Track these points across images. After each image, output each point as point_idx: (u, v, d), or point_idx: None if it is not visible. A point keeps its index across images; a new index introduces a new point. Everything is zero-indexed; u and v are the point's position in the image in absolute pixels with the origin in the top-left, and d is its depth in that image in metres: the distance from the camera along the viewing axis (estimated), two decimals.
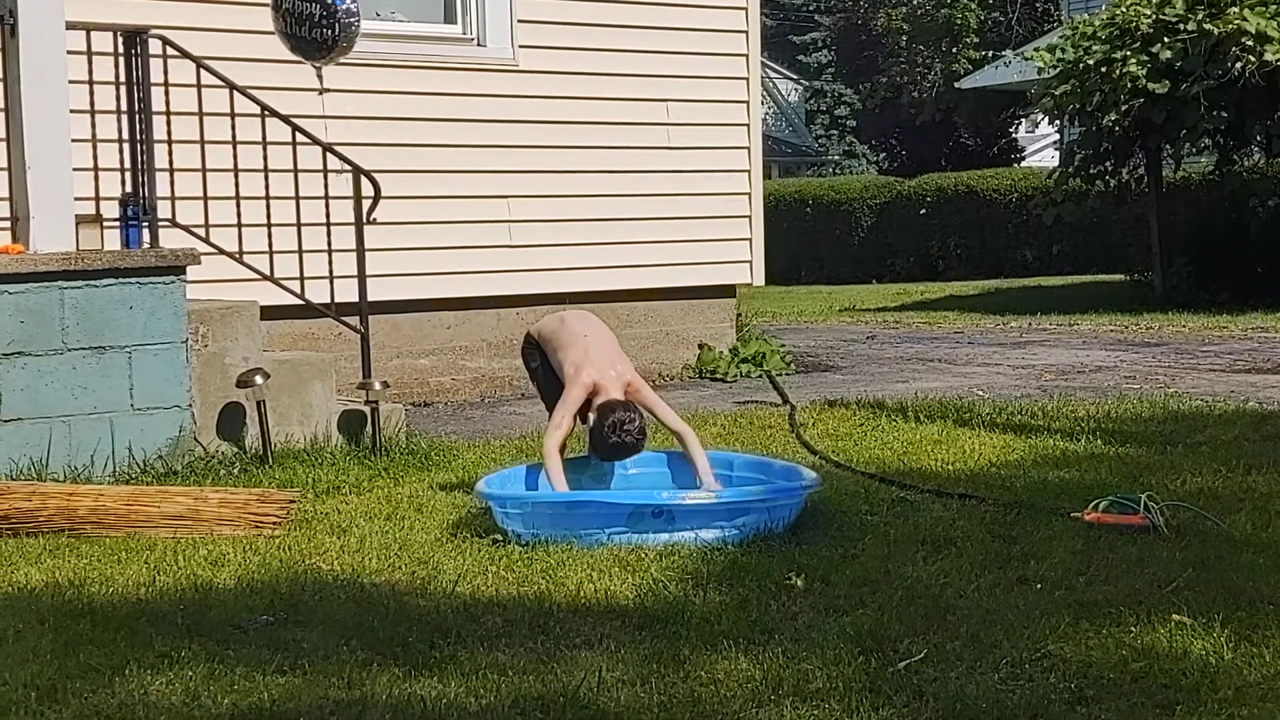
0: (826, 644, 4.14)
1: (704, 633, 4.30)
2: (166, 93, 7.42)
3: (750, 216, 11.34)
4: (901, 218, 26.80)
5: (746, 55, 11.26)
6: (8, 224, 7.05)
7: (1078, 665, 3.94)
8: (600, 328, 6.44)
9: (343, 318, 7.94)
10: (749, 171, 11.33)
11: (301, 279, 7.77)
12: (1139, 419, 8.12)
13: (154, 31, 7.41)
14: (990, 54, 35.83)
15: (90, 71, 7.12)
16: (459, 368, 10.15)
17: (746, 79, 11.27)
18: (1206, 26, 15.00)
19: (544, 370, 6.49)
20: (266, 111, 7.71)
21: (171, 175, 7.53)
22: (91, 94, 7.12)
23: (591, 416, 6.01)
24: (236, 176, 7.58)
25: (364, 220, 7.91)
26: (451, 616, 4.54)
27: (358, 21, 7.50)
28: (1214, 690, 3.74)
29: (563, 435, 6.06)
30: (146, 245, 7.27)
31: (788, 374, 11.08)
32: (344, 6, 7.40)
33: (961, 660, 4.00)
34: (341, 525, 5.97)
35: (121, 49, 7.30)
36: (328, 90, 7.66)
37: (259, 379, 7.20)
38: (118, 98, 7.29)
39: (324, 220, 7.76)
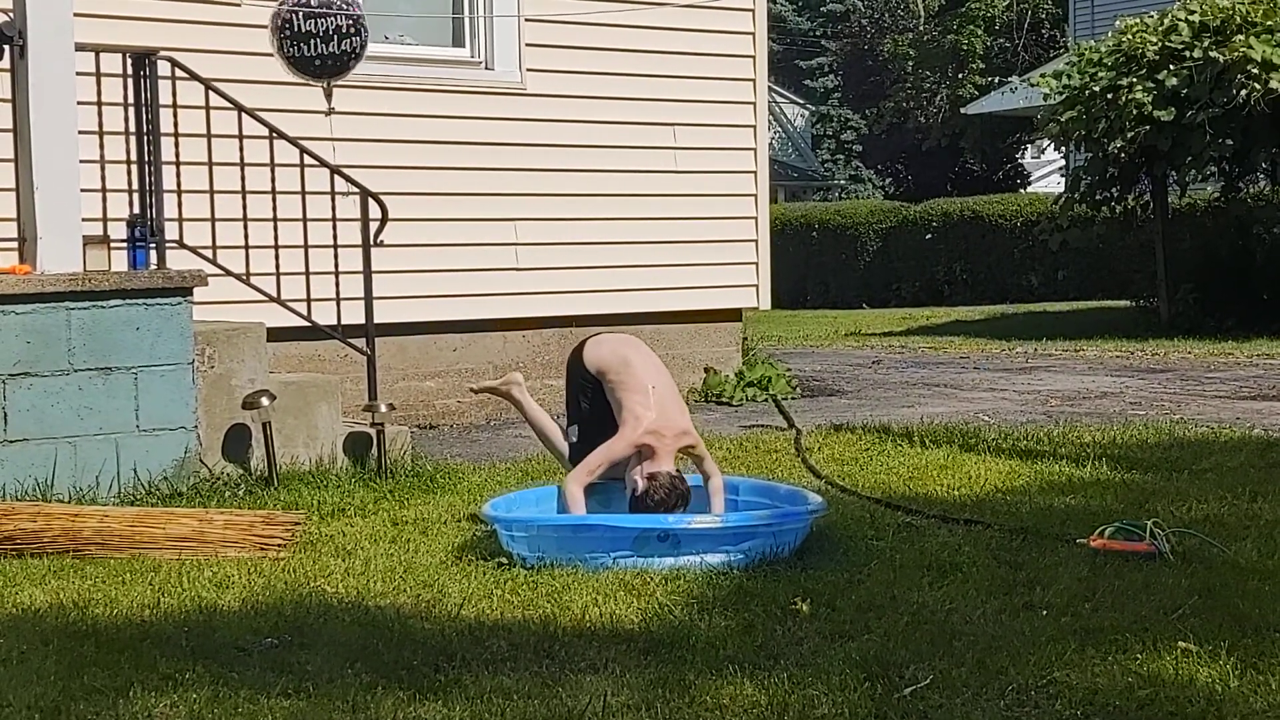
0: (832, 670, 4.13)
1: (709, 657, 4.29)
2: (175, 114, 7.45)
3: (756, 240, 11.35)
4: (907, 242, 26.81)
5: (754, 80, 11.28)
6: (15, 244, 7.06)
7: (1083, 692, 3.93)
8: (664, 376, 6.25)
9: (349, 339, 7.95)
10: (755, 195, 11.34)
11: (308, 301, 7.78)
12: (1145, 445, 8.12)
13: (163, 53, 7.44)
14: (996, 80, 35.93)
15: (99, 93, 7.15)
16: (465, 390, 10.14)
17: (753, 103, 11.30)
18: (1212, 54, 15.03)
19: (594, 406, 6.29)
20: (274, 134, 7.73)
21: (179, 197, 7.55)
22: (100, 115, 7.14)
23: (639, 481, 5.90)
24: (244, 198, 7.60)
25: (371, 242, 7.93)
26: (456, 640, 4.53)
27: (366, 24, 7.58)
28: (1220, 718, 3.73)
29: (589, 481, 5.98)
30: (153, 266, 7.29)
31: (793, 398, 11.08)
32: (359, 9, 7.47)
33: (967, 687, 3.99)
34: (346, 548, 5.96)
35: (130, 71, 7.33)
36: (333, 110, 7.69)
37: (265, 400, 7.20)
38: (126, 119, 7.31)
39: (331, 242, 7.77)
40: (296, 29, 7.41)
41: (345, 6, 7.53)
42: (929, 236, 26.45)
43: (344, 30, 7.42)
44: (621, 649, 4.40)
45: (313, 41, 7.47)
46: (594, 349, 6.35)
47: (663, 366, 6.35)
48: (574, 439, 6.44)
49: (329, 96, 7.62)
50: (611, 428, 6.22)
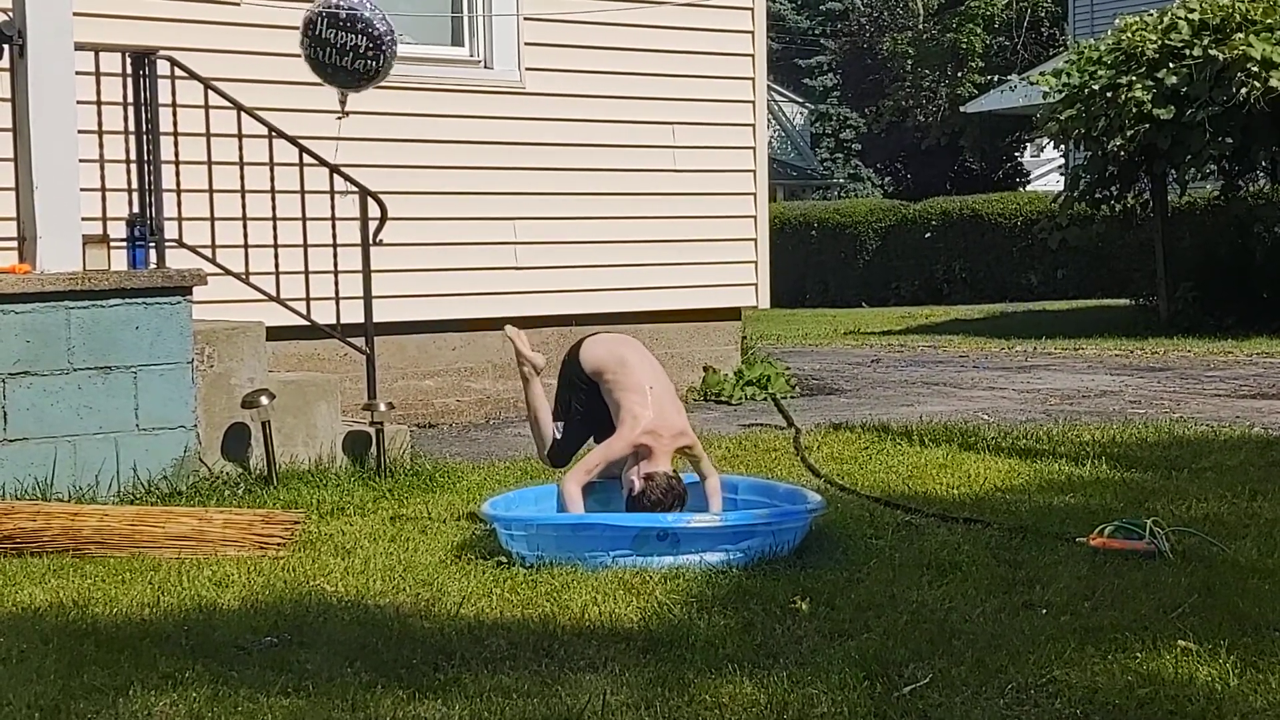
0: (831, 668, 4.13)
1: (708, 656, 4.29)
2: (174, 114, 7.45)
3: (756, 239, 11.35)
4: (906, 241, 26.81)
5: (753, 79, 11.29)
6: (15, 244, 7.06)
7: (1083, 691, 3.93)
8: (661, 376, 6.22)
9: (348, 339, 7.95)
10: (754, 194, 11.35)
11: (307, 300, 7.78)
12: (1144, 444, 8.12)
13: (162, 53, 7.44)
14: (996, 78, 35.92)
15: (98, 92, 7.15)
16: (464, 389, 10.15)
17: (752, 102, 11.30)
18: (1212, 52, 15.04)
19: (586, 409, 6.28)
20: (274, 133, 7.73)
21: (178, 196, 7.55)
22: (99, 114, 7.14)
23: (636, 481, 5.89)
24: (243, 197, 7.59)
25: (370, 241, 7.93)
26: (455, 639, 4.53)
27: (396, 48, 7.51)
28: (1220, 717, 3.73)
29: (587, 480, 5.96)
30: (153, 266, 7.29)
31: (792, 397, 11.08)
32: (389, 37, 7.40)
33: (967, 685, 3.99)
34: (346, 546, 5.96)
35: (130, 70, 7.33)
36: (347, 114, 7.68)
37: (264, 400, 7.20)
38: (125, 118, 7.31)
39: (330, 241, 7.77)
40: (318, 33, 7.38)
41: (370, 26, 7.44)
42: (928, 235, 26.45)
43: (361, 50, 7.35)
44: (621, 648, 4.40)
45: (329, 50, 7.42)
46: (591, 349, 6.33)
47: (660, 367, 6.34)
48: (558, 435, 6.44)
49: (343, 104, 7.59)
50: (601, 430, 6.21)
